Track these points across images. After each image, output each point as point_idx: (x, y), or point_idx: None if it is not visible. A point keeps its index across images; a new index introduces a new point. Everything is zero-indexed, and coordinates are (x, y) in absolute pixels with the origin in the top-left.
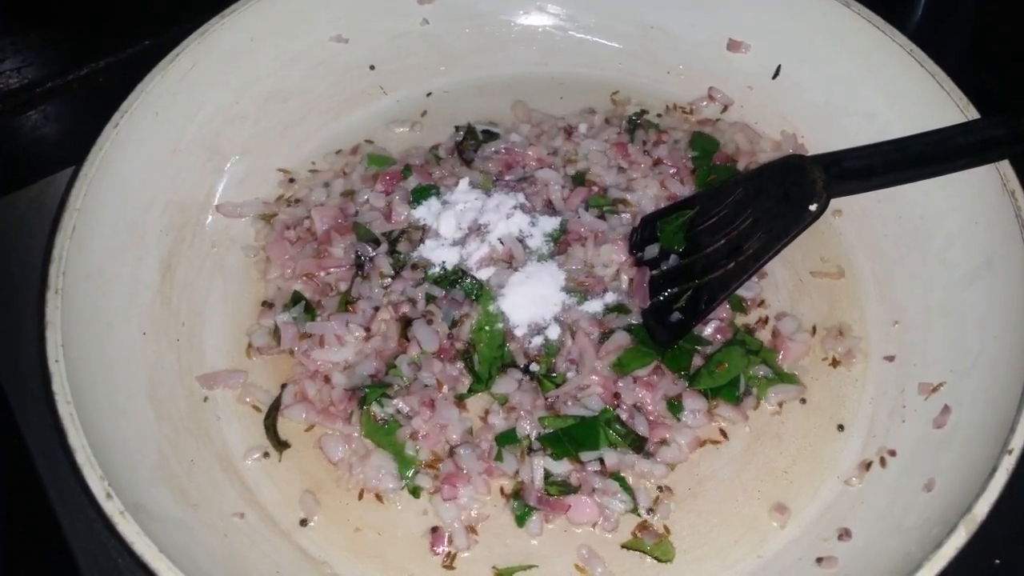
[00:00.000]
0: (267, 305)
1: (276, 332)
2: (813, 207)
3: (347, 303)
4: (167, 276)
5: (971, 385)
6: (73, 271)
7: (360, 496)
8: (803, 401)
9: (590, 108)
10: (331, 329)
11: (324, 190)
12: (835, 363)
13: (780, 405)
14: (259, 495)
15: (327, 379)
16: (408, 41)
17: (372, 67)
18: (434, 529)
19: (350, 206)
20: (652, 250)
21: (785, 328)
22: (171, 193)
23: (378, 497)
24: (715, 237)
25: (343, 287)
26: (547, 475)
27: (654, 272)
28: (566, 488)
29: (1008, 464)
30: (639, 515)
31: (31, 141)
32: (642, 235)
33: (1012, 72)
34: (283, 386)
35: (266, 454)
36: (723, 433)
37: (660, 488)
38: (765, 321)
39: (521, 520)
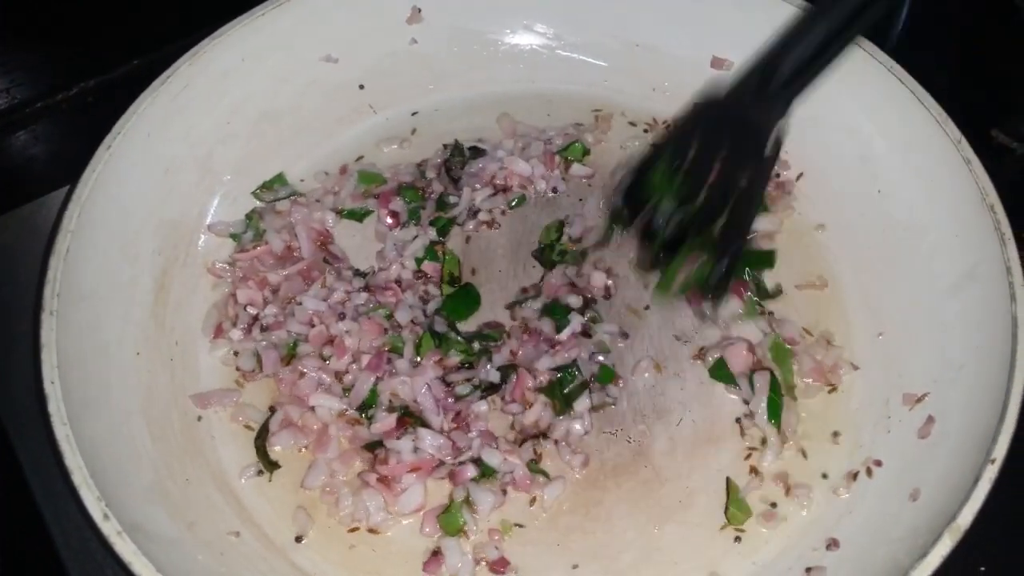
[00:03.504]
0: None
1: (259, 356)
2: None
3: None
4: (160, 296)
5: (955, 395)
6: (67, 292)
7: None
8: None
9: (577, 123)
10: (311, 365)
11: (312, 208)
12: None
13: None
14: (254, 513)
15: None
16: (397, 60)
17: (361, 86)
18: (435, 552)
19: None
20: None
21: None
22: (164, 213)
23: (372, 531)
24: (701, 178)
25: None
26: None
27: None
28: None
29: (991, 473)
30: None
31: (20, 162)
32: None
33: (992, 88)
34: (270, 408)
35: (260, 472)
36: None
37: None
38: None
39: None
